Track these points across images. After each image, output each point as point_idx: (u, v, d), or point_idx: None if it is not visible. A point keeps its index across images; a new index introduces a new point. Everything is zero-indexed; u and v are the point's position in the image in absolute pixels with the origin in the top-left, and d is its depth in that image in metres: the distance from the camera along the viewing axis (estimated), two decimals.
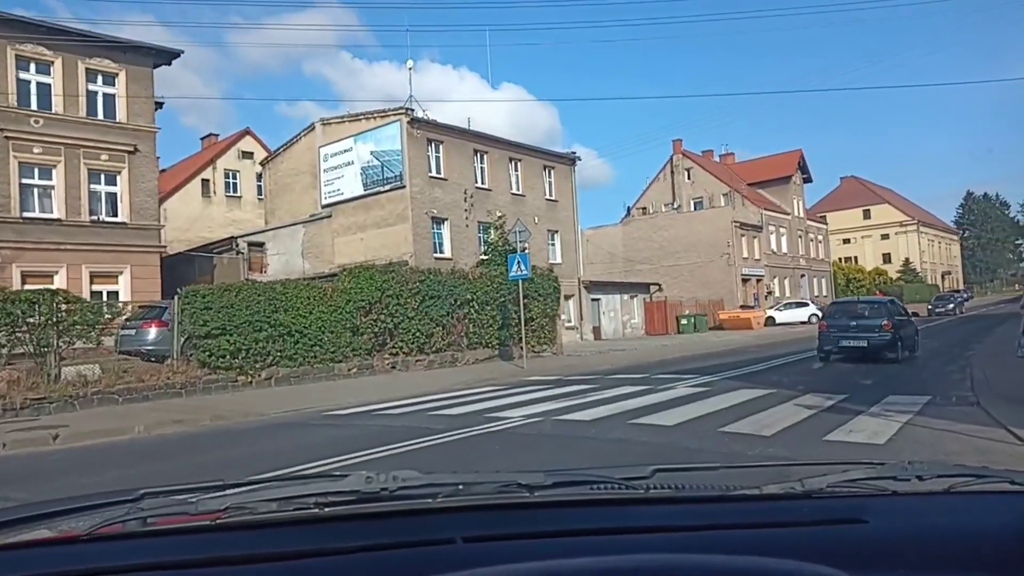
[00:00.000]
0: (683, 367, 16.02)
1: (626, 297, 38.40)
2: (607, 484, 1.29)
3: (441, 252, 27.12)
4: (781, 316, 40.59)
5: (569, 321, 33.51)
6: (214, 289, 15.48)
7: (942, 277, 79.30)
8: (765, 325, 38.86)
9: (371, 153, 27.80)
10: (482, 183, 29.37)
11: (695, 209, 48.45)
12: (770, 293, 47.22)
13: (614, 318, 37.22)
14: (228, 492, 1.32)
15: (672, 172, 50.76)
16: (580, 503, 1.24)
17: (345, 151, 28.91)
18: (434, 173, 27.46)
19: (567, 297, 33.24)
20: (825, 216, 63.54)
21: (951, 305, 47.14)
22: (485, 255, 24.00)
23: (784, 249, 50.53)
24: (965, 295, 63.50)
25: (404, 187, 26.54)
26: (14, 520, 1.23)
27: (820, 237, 58.14)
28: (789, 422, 7.80)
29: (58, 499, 1.37)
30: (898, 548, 1.07)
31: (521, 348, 18.53)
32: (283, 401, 12.27)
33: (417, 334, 18.14)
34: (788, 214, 51.91)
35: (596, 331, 35.30)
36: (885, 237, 77.44)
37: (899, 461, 1.34)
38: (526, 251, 17.47)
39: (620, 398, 10.73)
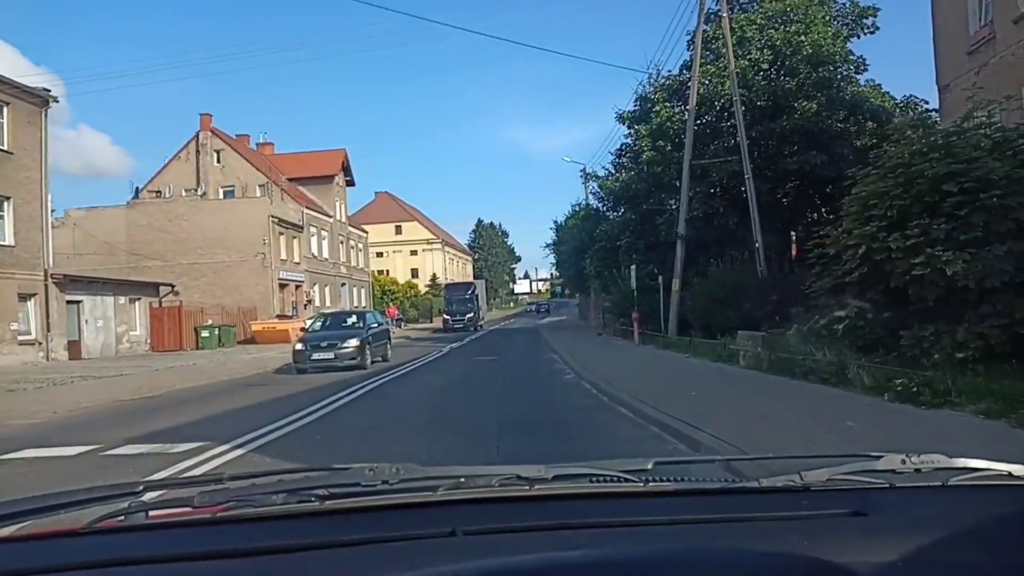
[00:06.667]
0: (202, 419, 9.21)
1: (124, 300, 28.59)
2: (607, 477, 1.26)
3: None
4: None
5: (26, 332, 22.72)
6: None
7: None
8: None
9: None
10: None
11: (225, 198, 40.56)
12: (310, 302, 42.22)
13: (104, 328, 27.11)
14: (229, 485, 1.28)
15: (198, 152, 41.83)
16: (580, 496, 1.22)
17: None
18: None
19: (24, 297, 22.54)
20: (362, 226, 62.08)
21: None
22: None
23: (326, 254, 46.29)
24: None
25: None
26: (14, 513, 1.18)
27: (360, 246, 55.98)
28: None
29: (59, 492, 1.31)
30: (897, 540, 1.05)
31: None
32: None
33: None
34: (331, 217, 47.94)
35: (74, 347, 24.90)
36: (414, 253, 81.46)
37: (897, 454, 1.23)
38: None
39: None
